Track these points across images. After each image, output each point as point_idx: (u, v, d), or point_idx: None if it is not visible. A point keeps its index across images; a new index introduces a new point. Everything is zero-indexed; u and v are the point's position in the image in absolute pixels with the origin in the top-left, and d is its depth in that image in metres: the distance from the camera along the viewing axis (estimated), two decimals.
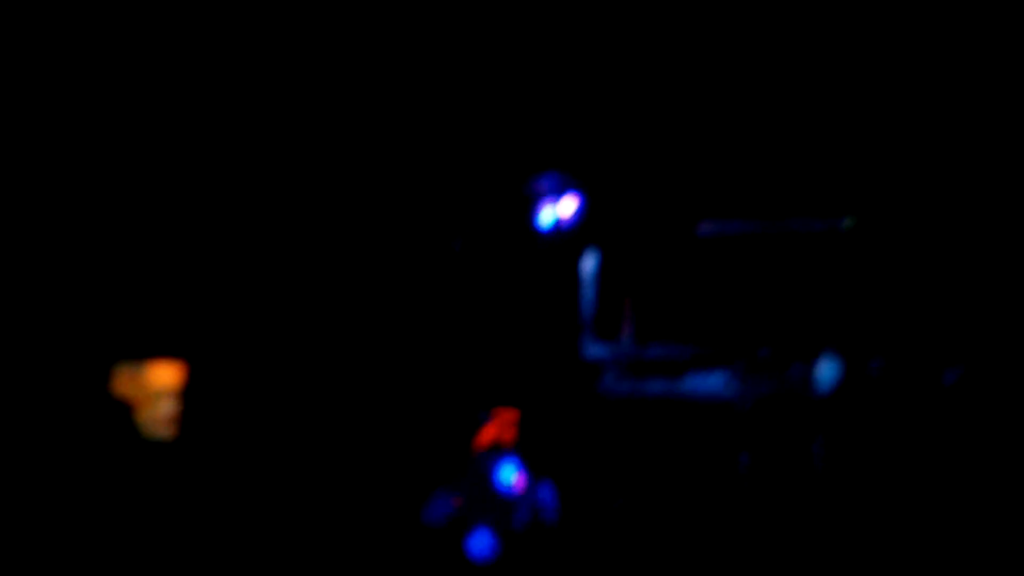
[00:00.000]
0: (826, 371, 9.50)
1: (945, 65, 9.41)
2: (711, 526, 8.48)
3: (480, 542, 4.75)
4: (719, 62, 9.55)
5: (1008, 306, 9.38)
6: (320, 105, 9.34)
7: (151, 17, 9.03)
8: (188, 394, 9.17)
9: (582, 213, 9.63)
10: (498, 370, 9.43)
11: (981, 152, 9.53)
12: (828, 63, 9.55)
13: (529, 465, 8.53)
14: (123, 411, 9.12)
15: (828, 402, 9.36)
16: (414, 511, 8.18)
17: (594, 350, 9.73)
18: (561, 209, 9.57)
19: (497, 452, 8.37)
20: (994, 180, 9.51)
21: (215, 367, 9.24)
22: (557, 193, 9.50)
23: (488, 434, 8.87)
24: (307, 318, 9.29)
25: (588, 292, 9.83)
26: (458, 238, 9.61)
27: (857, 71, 9.57)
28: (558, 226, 9.51)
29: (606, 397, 9.44)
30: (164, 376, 9.15)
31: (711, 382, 9.50)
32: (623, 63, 9.52)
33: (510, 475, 4.59)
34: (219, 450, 9.05)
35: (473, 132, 9.61)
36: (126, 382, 9.04)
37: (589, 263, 9.87)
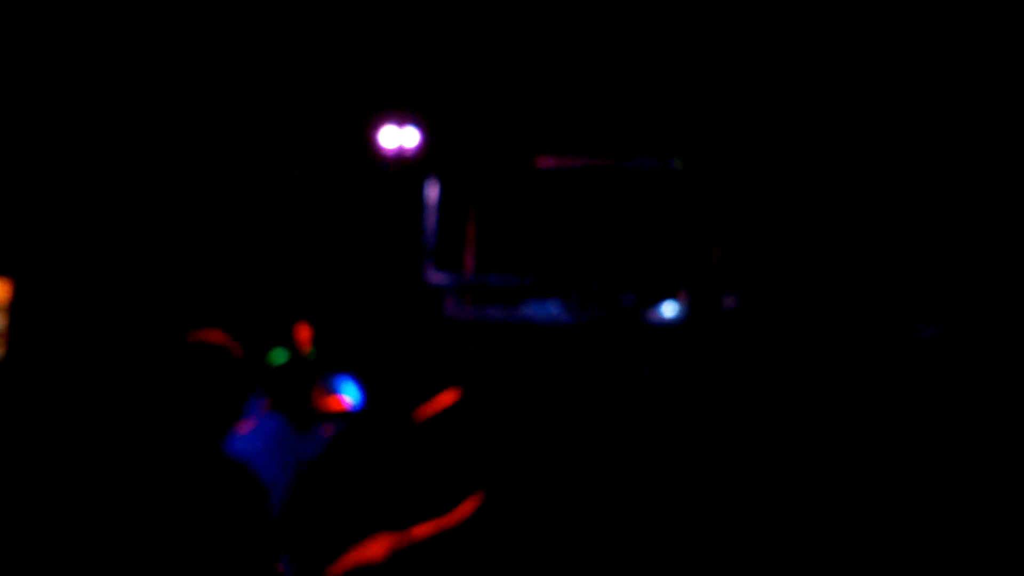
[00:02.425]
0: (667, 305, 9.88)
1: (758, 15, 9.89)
2: (547, 444, 8.62)
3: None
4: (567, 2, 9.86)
5: (827, 244, 9.86)
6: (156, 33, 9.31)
7: None
8: (15, 311, 8.97)
9: (424, 142, 9.81)
10: (339, 292, 9.49)
11: (799, 103, 10.03)
12: (669, 14, 9.94)
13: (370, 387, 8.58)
14: None
15: (661, 331, 9.70)
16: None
17: (436, 278, 9.89)
18: (401, 137, 9.72)
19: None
20: (809, 129, 10.01)
21: (44, 285, 9.06)
22: (396, 121, 9.65)
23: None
24: (140, 241, 9.21)
25: (430, 221, 10.00)
26: (299, 164, 9.67)
27: (694, 21, 9.98)
28: (400, 153, 9.66)
29: (449, 321, 9.60)
30: None
31: (548, 309, 9.76)
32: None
33: (350, 392, 4.57)
34: (46, 372, 8.85)
35: (319, 64, 9.71)
36: None
37: (432, 192, 10.05)
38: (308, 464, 3.80)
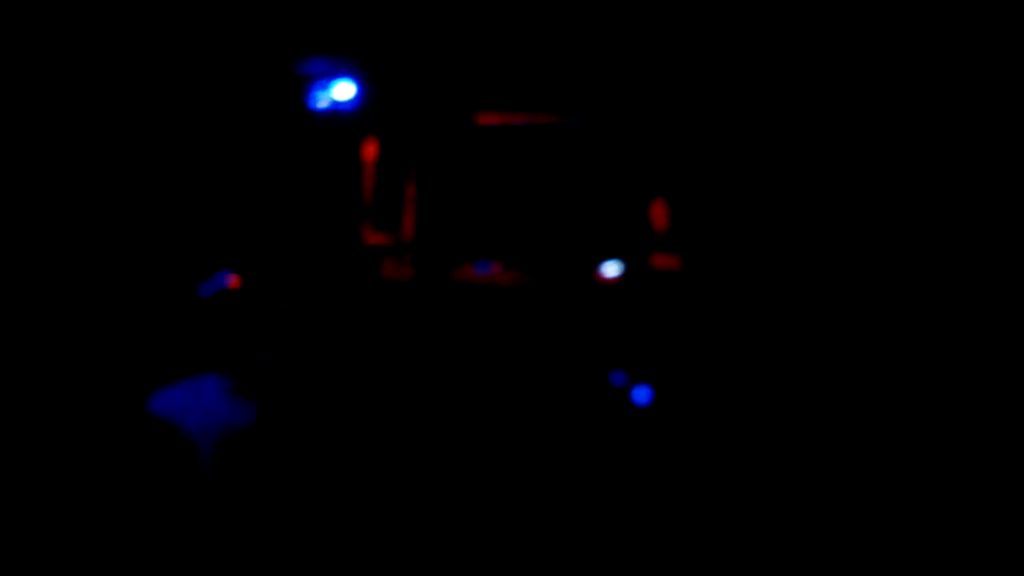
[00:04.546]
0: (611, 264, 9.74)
1: None
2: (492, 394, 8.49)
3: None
4: None
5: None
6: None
7: None
8: None
9: (360, 98, 9.54)
10: (279, 257, 9.25)
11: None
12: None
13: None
14: None
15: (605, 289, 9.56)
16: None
17: (375, 238, 9.66)
18: (338, 93, 9.45)
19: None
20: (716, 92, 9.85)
21: None
22: (332, 76, 9.38)
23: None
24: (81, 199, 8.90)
25: (368, 180, 9.76)
26: (232, 123, 9.38)
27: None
28: (335, 109, 9.39)
29: (387, 283, 9.39)
30: None
31: (488, 268, 9.58)
32: None
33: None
34: None
35: (249, 13, 9.41)
36: None
37: (370, 150, 9.80)
38: (235, 436, 3.58)
